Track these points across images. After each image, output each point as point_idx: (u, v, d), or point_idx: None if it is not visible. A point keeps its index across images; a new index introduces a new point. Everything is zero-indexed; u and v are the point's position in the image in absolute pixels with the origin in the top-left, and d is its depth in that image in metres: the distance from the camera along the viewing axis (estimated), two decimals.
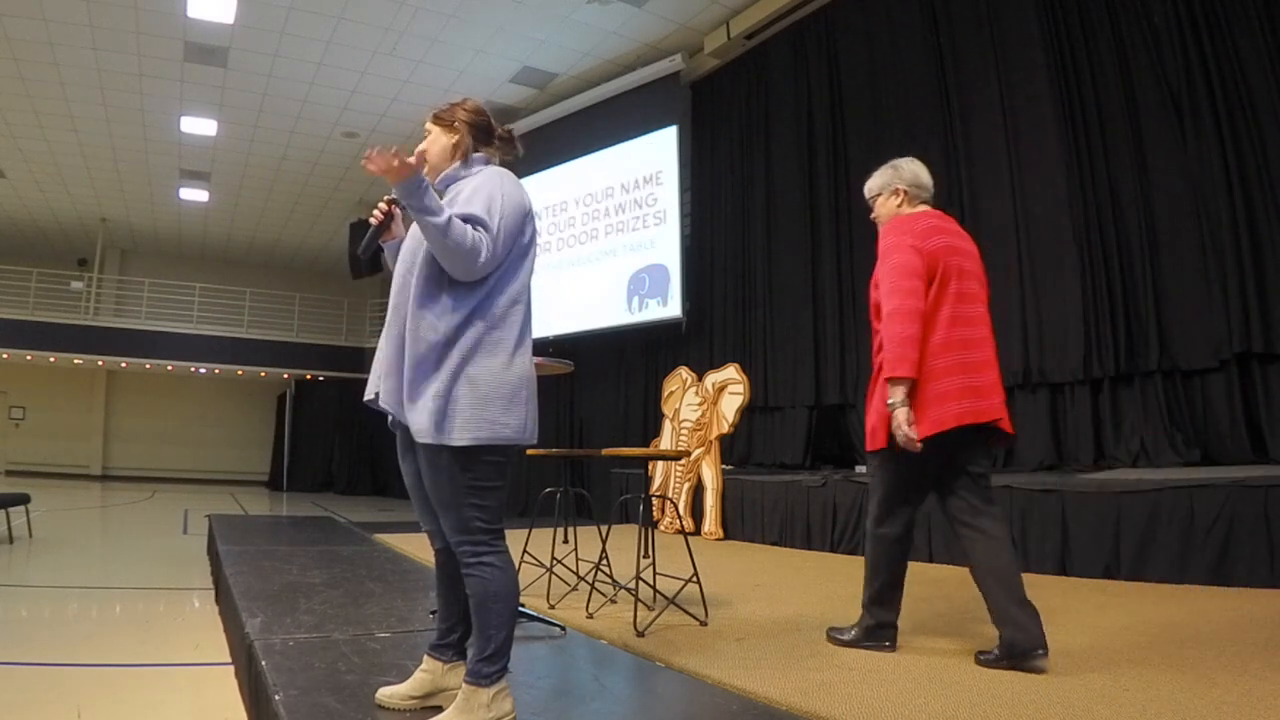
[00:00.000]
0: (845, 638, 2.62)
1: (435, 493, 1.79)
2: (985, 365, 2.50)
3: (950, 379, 2.43)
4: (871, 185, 2.86)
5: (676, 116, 8.40)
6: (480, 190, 1.83)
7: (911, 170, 2.77)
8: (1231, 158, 4.45)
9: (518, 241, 1.85)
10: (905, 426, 2.39)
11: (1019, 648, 2.26)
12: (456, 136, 1.97)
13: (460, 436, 1.71)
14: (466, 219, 1.74)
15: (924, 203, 2.76)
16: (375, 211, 1.98)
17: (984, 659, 2.36)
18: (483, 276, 1.78)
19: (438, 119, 1.98)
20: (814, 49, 7.32)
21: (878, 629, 2.56)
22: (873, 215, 2.86)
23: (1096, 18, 5.16)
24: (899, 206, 2.75)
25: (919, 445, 2.39)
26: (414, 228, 1.92)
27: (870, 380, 2.64)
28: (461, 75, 8.91)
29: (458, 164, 1.95)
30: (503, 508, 1.84)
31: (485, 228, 1.76)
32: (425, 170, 1.96)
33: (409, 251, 1.88)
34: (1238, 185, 4.42)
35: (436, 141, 1.96)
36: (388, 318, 1.86)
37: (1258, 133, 4.39)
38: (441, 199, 1.94)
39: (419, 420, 1.72)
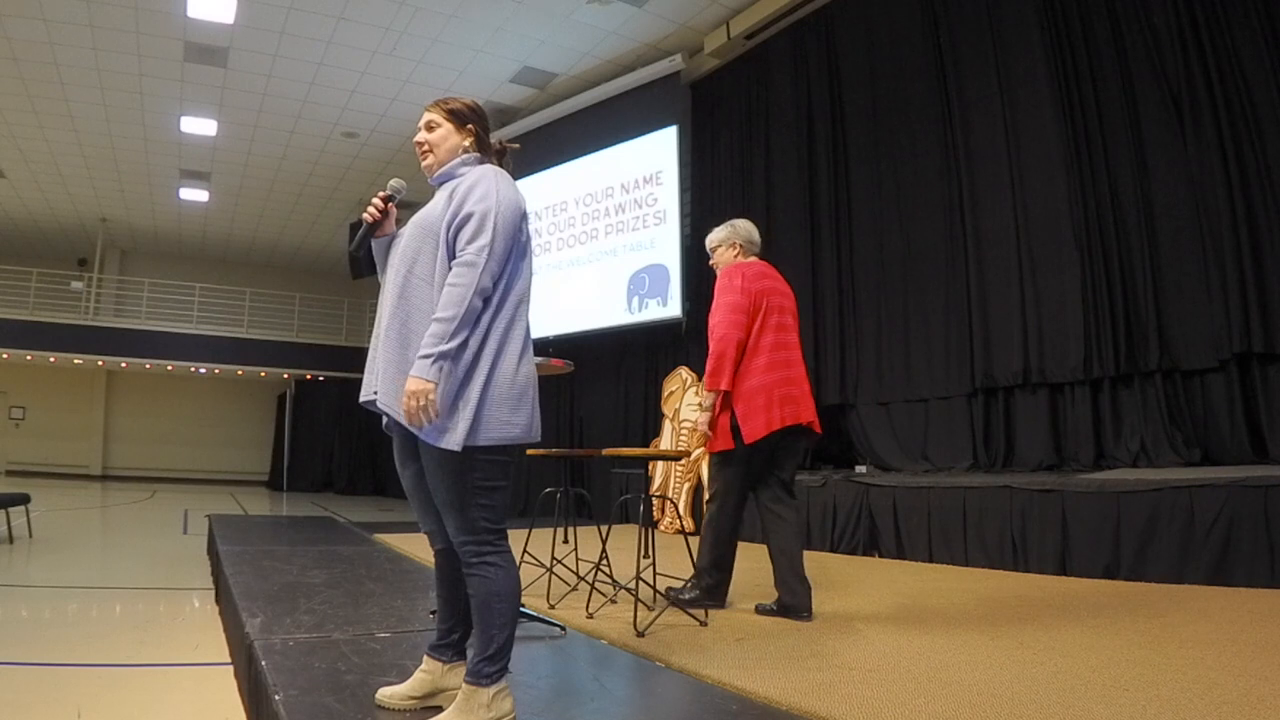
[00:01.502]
0: (687, 596, 3.08)
1: (440, 493, 1.78)
2: (799, 380, 3.19)
3: (775, 391, 3.08)
4: (714, 238, 3.44)
5: (676, 116, 8.40)
6: (473, 193, 1.82)
7: (746, 228, 3.43)
8: (1231, 158, 4.45)
9: (516, 242, 1.85)
10: (707, 428, 3.10)
11: (791, 609, 2.99)
12: (469, 140, 1.98)
13: (471, 438, 1.71)
14: (459, 259, 1.76)
15: (754, 255, 3.42)
16: (370, 209, 1.97)
17: (762, 609, 3.07)
18: (497, 283, 1.79)
19: (453, 114, 1.98)
20: (814, 49, 7.32)
21: (716, 588, 3.15)
22: (711, 262, 3.46)
23: (1096, 18, 5.16)
24: (735, 257, 3.38)
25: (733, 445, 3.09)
26: (408, 226, 1.91)
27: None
28: (461, 75, 8.91)
29: (457, 161, 1.96)
30: (506, 507, 1.84)
31: (477, 254, 1.75)
32: (430, 161, 1.97)
33: (408, 251, 1.86)
34: (1238, 185, 4.42)
35: (448, 139, 1.96)
36: (385, 319, 1.84)
37: (1258, 133, 4.39)
38: (438, 193, 1.95)
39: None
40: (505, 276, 1.82)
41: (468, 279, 1.72)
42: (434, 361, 1.67)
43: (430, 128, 1.97)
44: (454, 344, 1.69)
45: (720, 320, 3.14)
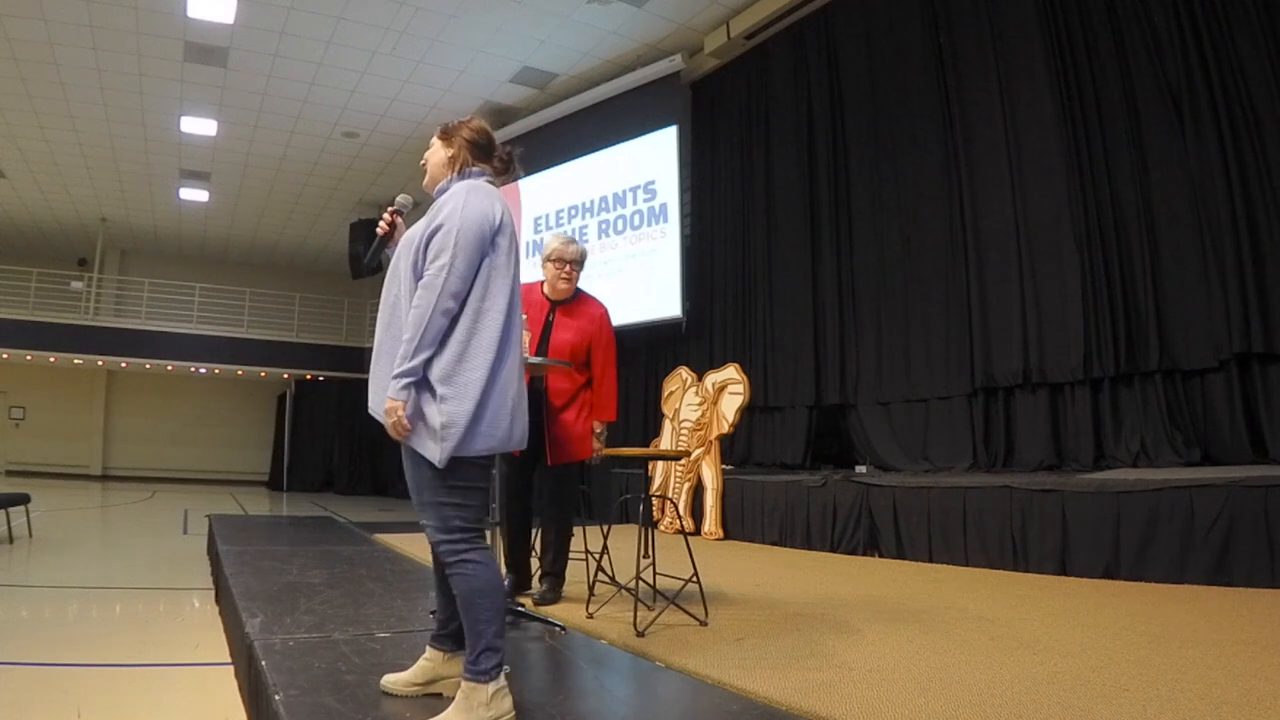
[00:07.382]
0: (552, 596, 3.20)
1: (418, 494, 1.87)
2: None
3: None
4: (578, 254, 3.47)
5: (676, 116, 8.40)
6: (440, 212, 1.89)
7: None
8: (1231, 158, 4.45)
9: (486, 256, 1.87)
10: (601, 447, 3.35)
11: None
12: (453, 151, 2.04)
13: (459, 450, 1.81)
14: (422, 281, 1.83)
15: None
16: (381, 223, 2.13)
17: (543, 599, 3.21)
18: (463, 299, 1.83)
19: (443, 133, 2.08)
20: (814, 49, 7.32)
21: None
22: (578, 277, 3.51)
23: (1096, 18, 5.16)
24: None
25: None
26: (399, 244, 1.99)
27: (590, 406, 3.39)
28: (461, 75, 8.91)
29: (451, 176, 2.03)
30: (484, 507, 1.92)
31: (436, 274, 1.81)
32: (426, 180, 2.08)
33: (396, 270, 1.94)
34: (1238, 185, 4.42)
35: (436, 154, 2.06)
36: (378, 333, 1.94)
37: (1258, 133, 4.39)
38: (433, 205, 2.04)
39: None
40: (483, 292, 1.85)
41: (426, 301, 1.80)
42: (398, 379, 1.79)
43: (429, 148, 2.08)
44: (416, 362, 1.78)
45: (612, 360, 3.42)
